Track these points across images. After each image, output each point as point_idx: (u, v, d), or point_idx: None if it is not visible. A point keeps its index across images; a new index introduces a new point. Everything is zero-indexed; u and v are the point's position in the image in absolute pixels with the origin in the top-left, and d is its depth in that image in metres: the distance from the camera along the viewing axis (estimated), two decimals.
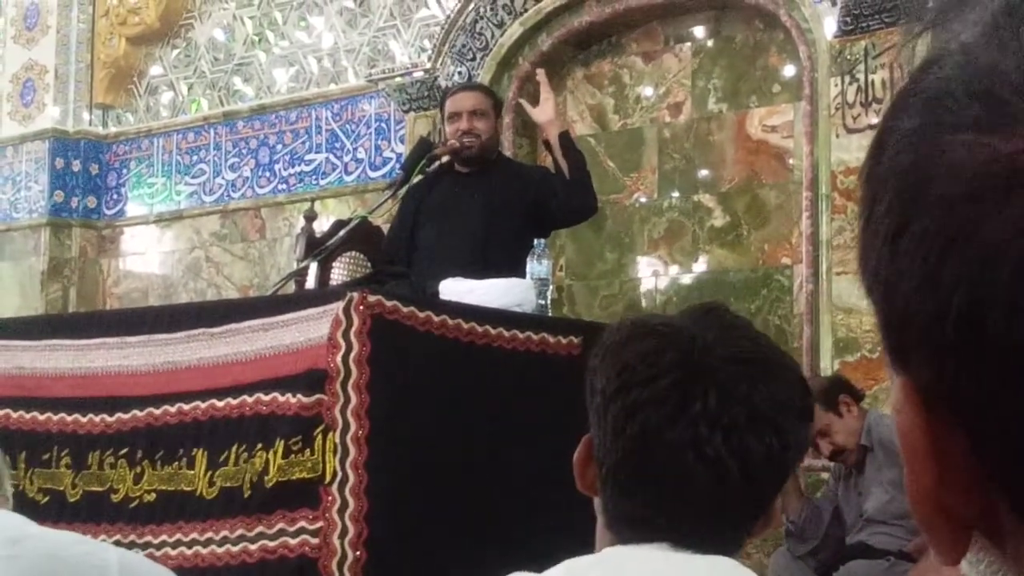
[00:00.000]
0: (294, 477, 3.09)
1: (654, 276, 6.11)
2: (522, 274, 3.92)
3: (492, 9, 6.35)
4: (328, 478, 3.05)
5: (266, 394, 3.19)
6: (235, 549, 3.16)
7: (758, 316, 5.54)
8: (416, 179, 4.39)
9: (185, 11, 7.91)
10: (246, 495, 3.18)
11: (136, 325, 3.64)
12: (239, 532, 3.17)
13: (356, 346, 3.11)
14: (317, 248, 4.20)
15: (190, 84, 7.89)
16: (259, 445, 3.16)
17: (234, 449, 3.22)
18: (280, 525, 3.10)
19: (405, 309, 3.25)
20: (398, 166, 5.94)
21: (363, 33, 7.08)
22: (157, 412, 3.44)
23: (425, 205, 4.47)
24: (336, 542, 3.02)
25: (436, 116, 6.39)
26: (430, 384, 3.31)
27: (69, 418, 3.66)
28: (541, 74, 4.77)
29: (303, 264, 4.18)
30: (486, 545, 3.26)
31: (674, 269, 6.06)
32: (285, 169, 7.33)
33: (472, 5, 6.37)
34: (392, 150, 6.84)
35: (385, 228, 4.65)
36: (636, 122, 6.24)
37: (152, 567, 1.49)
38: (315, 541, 3.03)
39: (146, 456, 3.44)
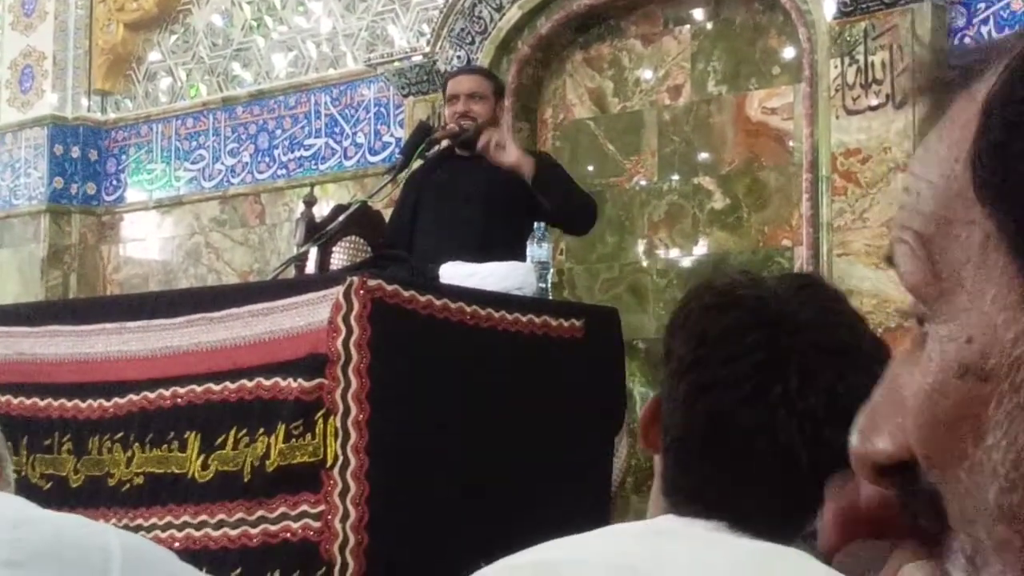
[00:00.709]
0: (295, 461, 3.10)
1: (654, 259, 6.11)
2: (522, 258, 3.92)
3: None
4: (329, 462, 3.06)
5: (267, 379, 3.19)
6: (234, 533, 3.17)
7: None
8: (415, 163, 4.39)
9: None
10: (246, 479, 3.18)
11: (136, 310, 3.64)
12: (239, 516, 3.17)
13: (356, 330, 3.11)
14: (317, 233, 4.20)
15: (189, 70, 7.87)
16: (260, 429, 3.17)
17: (232, 433, 3.23)
18: (282, 509, 3.10)
19: (406, 293, 3.25)
20: (397, 150, 5.93)
21: (361, 18, 7.07)
22: (152, 396, 3.45)
23: (426, 189, 4.46)
24: (338, 526, 3.02)
25: (435, 100, 6.38)
26: (431, 368, 3.31)
27: (69, 404, 3.66)
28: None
29: (303, 249, 4.18)
30: (488, 528, 3.26)
31: (675, 252, 6.05)
32: (284, 154, 7.32)
33: None
34: (391, 135, 6.83)
35: (385, 213, 4.64)
36: (635, 105, 6.23)
37: (155, 548, 1.49)
38: (317, 525, 3.04)
39: (137, 439, 3.45)
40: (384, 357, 3.15)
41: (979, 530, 0.50)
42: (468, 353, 3.41)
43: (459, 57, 6.34)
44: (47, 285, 7.87)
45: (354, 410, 3.08)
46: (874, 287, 5.09)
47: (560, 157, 6.14)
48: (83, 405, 3.63)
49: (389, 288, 3.21)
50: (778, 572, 1.13)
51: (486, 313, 3.46)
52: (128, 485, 3.45)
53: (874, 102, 5.16)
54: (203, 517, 3.24)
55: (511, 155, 4.21)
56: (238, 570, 3.14)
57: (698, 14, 6.11)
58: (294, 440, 3.10)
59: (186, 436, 3.33)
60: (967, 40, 5.19)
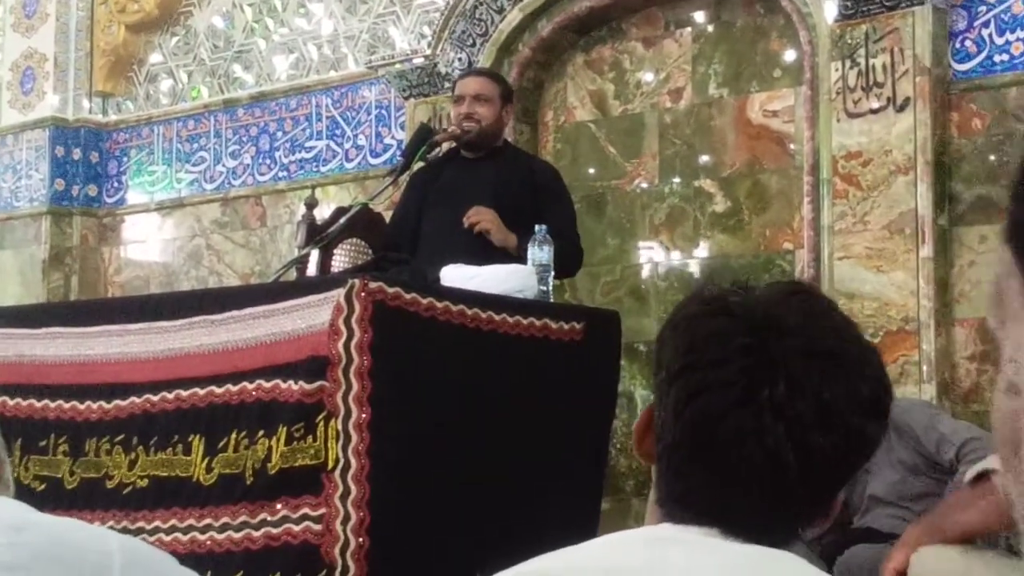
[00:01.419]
0: (296, 464, 3.09)
1: (655, 262, 6.11)
2: (523, 260, 3.91)
3: None
4: (330, 465, 3.05)
5: (267, 381, 3.19)
6: (237, 535, 3.17)
7: None
8: (417, 165, 4.38)
9: None
10: (248, 481, 3.18)
11: (137, 312, 3.64)
12: (241, 519, 3.17)
13: (358, 333, 3.11)
14: (318, 235, 4.20)
15: (190, 72, 7.87)
16: (260, 432, 3.16)
17: (233, 436, 3.23)
18: (283, 512, 3.10)
19: (407, 295, 3.24)
20: (399, 153, 5.93)
21: (363, 20, 7.07)
22: (155, 399, 3.44)
23: (430, 191, 4.46)
24: (339, 528, 3.02)
25: (436, 102, 6.38)
26: (432, 370, 3.31)
27: (67, 405, 3.66)
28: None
29: (304, 251, 4.18)
30: (488, 531, 3.26)
31: (675, 255, 6.05)
32: (286, 156, 7.32)
33: None
34: (393, 137, 6.83)
35: (387, 215, 4.64)
36: (637, 108, 6.23)
37: (154, 552, 1.49)
38: (318, 527, 3.04)
39: (141, 442, 3.44)
40: (385, 360, 3.15)
41: None
42: (469, 355, 3.41)
43: (460, 59, 6.34)
44: (48, 287, 7.87)
45: (355, 413, 3.08)
46: (875, 290, 5.09)
47: (561, 159, 6.14)
48: (81, 407, 3.63)
49: (390, 291, 3.21)
50: None
51: (487, 316, 3.46)
52: (130, 488, 3.45)
53: (875, 105, 5.16)
54: (207, 520, 3.24)
55: (495, 238, 4.21)
56: (240, 573, 3.14)
57: (699, 17, 6.11)
58: (295, 443, 3.10)
59: (191, 439, 3.33)
60: (968, 44, 5.19)
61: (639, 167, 6.19)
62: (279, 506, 3.11)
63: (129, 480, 3.46)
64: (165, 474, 3.38)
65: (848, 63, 5.25)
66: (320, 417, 3.08)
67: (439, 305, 3.33)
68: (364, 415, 3.09)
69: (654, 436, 1.23)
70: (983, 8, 5.17)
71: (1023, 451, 0.54)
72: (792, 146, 5.73)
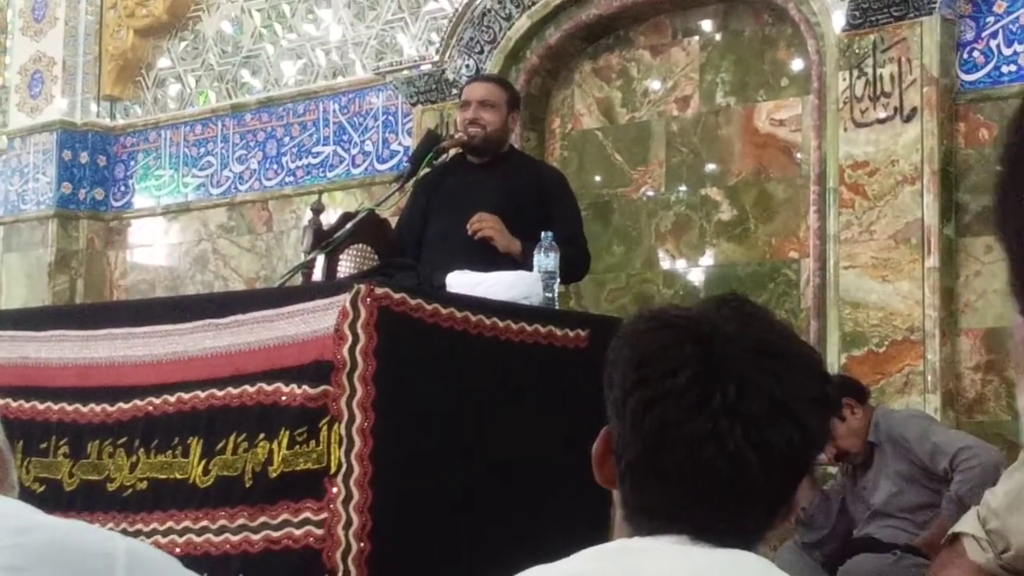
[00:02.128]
0: (299, 468, 3.09)
1: (661, 269, 6.11)
2: (529, 267, 3.91)
3: (500, 2, 6.34)
4: (333, 469, 3.05)
5: (269, 384, 3.19)
6: (235, 538, 3.16)
7: None
8: (423, 171, 4.39)
9: (193, 3, 7.91)
10: (247, 484, 3.18)
11: (142, 316, 3.64)
12: (240, 521, 3.17)
13: (363, 338, 3.10)
14: (324, 240, 4.20)
15: (198, 76, 7.89)
16: (261, 435, 3.16)
17: (232, 438, 3.22)
18: (284, 516, 3.10)
19: (412, 301, 3.24)
20: (405, 159, 5.94)
21: (371, 26, 7.08)
22: (157, 401, 3.44)
23: (436, 196, 4.46)
24: (341, 533, 3.02)
25: (444, 109, 6.39)
26: (436, 376, 3.30)
27: (70, 408, 3.66)
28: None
29: (310, 256, 4.18)
30: (490, 537, 3.26)
31: (681, 263, 6.05)
32: (292, 162, 7.33)
33: None
34: (399, 143, 6.84)
35: (393, 221, 4.64)
36: (644, 115, 6.24)
37: (158, 555, 1.49)
38: (320, 532, 3.03)
39: (142, 445, 3.44)
40: (390, 365, 3.14)
41: None
42: (473, 361, 3.40)
43: (468, 66, 6.34)
44: (54, 290, 7.88)
45: (359, 418, 3.08)
46: (880, 300, 5.09)
47: (567, 167, 6.14)
48: (84, 409, 3.63)
49: (396, 296, 3.21)
50: None
51: (492, 322, 3.45)
52: (130, 490, 3.45)
53: (882, 115, 5.16)
54: (204, 522, 3.24)
55: (499, 245, 4.21)
56: None
57: (707, 25, 6.12)
58: (298, 447, 3.10)
59: (189, 441, 3.33)
60: (976, 54, 5.19)
61: (645, 175, 6.19)
62: (280, 510, 3.11)
63: (129, 483, 3.46)
64: (163, 476, 3.38)
65: (856, 73, 5.25)
66: (323, 421, 3.08)
67: (444, 311, 3.32)
68: (368, 420, 3.08)
69: (613, 459, 1.26)
70: (991, 19, 5.17)
71: None
72: (799, 155, 5.73)
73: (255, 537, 3.13)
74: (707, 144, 6.02)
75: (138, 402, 3.49)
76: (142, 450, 3.44)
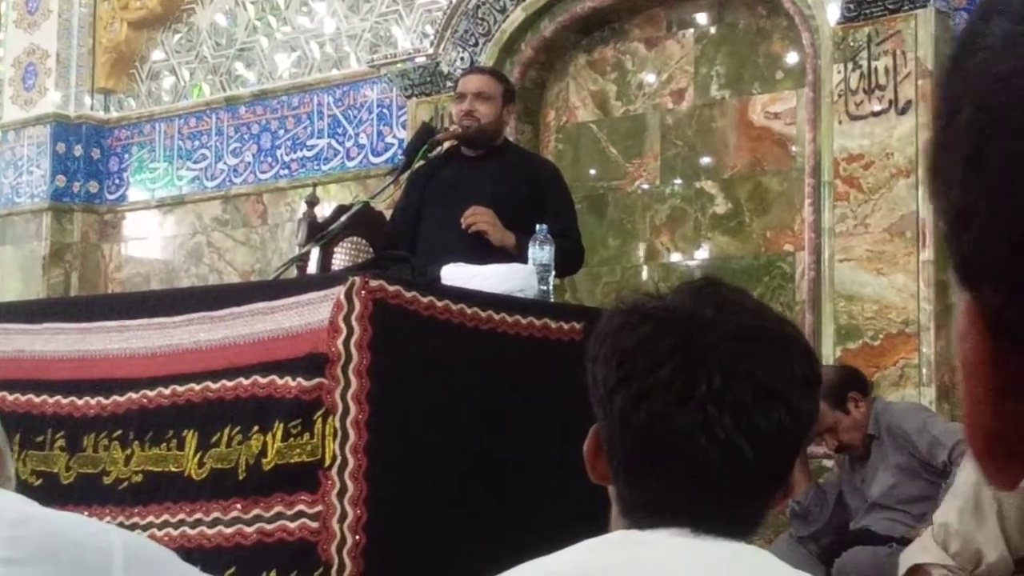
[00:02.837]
0: (293, 460, 3.09)
1: (656, 263, 6.11)
2: (524, 260, 3.91)
3: None
4: (327, 462, 3.05)
5: (263, 376, 3.19)
6: (228, 531, 3.16)
7: None
8: (418, 164, 4.38)
9: None
10: (241, 477, 3.18)
11: (137, 309, 3.64)
12: (233, 514, 3.16)
13: (357, 331, 3.10)
14: (319, 233, 4.20)
15: (192, 69, 7.88)
16: (255, 427, 3.16)
17: (227, 431, 3.22)
18: (278, 508, 3.10)
19: (407, 294, 3.24)
20: (400, 152, 5.93)
21: (365, 18, 7.07)
22: (151, 394, 3.44)
23: (430, 189, 4.46)
24: (335, 526, 3.02)
25: (438, 102, 6.38)
26: (431, 369, 3.30)
27: (65, 401, 3.66)
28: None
29: (305, 249, 4.18)
30: (486, 530, 3.26)
31: (676, 256, 6.05)
32: (287, 154, 7.32)
33: None
34: (394, 136, 6.83)
35: (387, 214, 4.64)
36: (638, 108, 6.23)
37: (156, 548, 1.49)
38: (314, 525, 3.03)
39: (137, 437, 3.44)
40: (384, 358, 3.14)
41: None
42: (468, 354, 3.41)
43: (462, 59, 6.34)
44: (48, 283, 7.87)
45: (353, 410, 3.08)
46: (875, 293, 5.09)
47: (562, 160, 6.14)
48: (80, 402, 3.62)
49: (391, 289, 3.20)
50: (740, 572, 1.17)
51: (487, 315, 3.45)
52: (126, 483, 3.45)
53: (877, 107, 5.17)
54: (198, 515, 3.24)
55: (493, 238, 4.21)
56: (232, 569, 3.13)
57: (701, 18, 6.11)
58: (292, 439, 3.10)
59: (184, 434, 3.32)
60: None
61: (640, 168, 6.19)
62: (274, 503, 3.11)
63: (125, 475, 3.45)
64: (158, 469, 3.38)
65: (850, 65, 5.25)
66: (318, 414, 3.08)
67: (439, 304, 3.32)
68: (362, 413, 3.08)
69: (605, 456, 1.26)
70: None
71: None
72: (794, 148, 5.73)
73: (248, 529, 3.13)
74: (702, 137, 6.02)
75: (133, 395, 3.49)
76: (137, 443, 3.44)
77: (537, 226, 3.93)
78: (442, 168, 4.49)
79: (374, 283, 3.17)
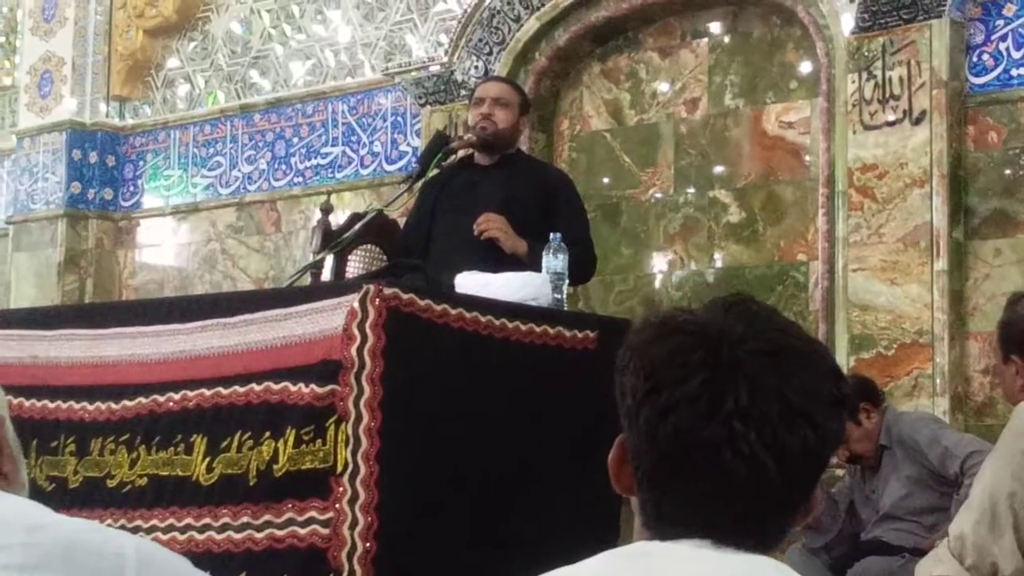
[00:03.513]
0: (305, 467, 3.09)
1: (669, 272, 6.11)
2: (538, 268, 3.91)
3: (509, 3, 6.34)
4: (339, 469, 3.05)
5: (276, 383, 3.19)
6: (238, 536, 3.16)
7: None
8: (432, 173, 4.39)
9: (202, 4, 7.92)
10: (251, 483, 3.18)
11: (151, 315, 3.65)
12: (243, 520, 3.16)
13: (371, 338, 3.11)
14: (333, 241, 4.20)
15: (207, 77, 7.90)
16: (266, 433, 3.16)
17: (237, 436, 3.22)
18: (289, 514, 3.10)
19: (421, 302, 3.25)
20: (414, 160, 5.94)
21: (380, 27, 7.08)
22: (161, 399, 3.45)
23: (443, 197, 4.47)
24: (346, 533, 3.02)
25: (453, 110, 6.39)
26: (444, 377, 3.30)
27: (77, 406, 3.67)
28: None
29: (319, 257, 4.18)
30: (497, 539, 3.26)
31: (690, 265, 6.05)
32: (301, 162, 7.34)
33: (489, 0, 6.38)
34: (408, 144, 6.84)
35: (401, 222, 4.65)
36: (652, 117, 6.23)
37: (169, 555, 1.49)
38: (325, 531, 3.04)
39: (144, 442, 3.45)
40: (398, 365, 3.14)
41: None
42: (481, 362, 3.40)
43: (476, 67, 6.35)
44: (63, 289, 7.89)
45: (366, 417, 3.08)
46: (889, 303, 5.08)
47: (576, 168, 6.15)
48: (90, 407, 3.64)
49: (405, 297, 3.21)
50: None
51: (500, 323, 3.45)
52: (129, 487, 3.45)
53: (891, 117, 5.16)
54: (206, 520, 3.24)
55: (505, 245, 4.21)
56: (242, 574, 3.14)
57: (716, 27, 6.11)
58: (304, 446, 3.10)
59: (192, 439, 3.33)
60: (985, 57, 5.18)
61: (654, 177, 6.19)
62: (285, 509, 3.11)
63: (128, 479, 3.46)
64: (165, 473, 3.38)
65: (865, 75, 5.24)
66: (330, 421, 3.08)
67: (452, 312, 3.33)
68: (375, 420, 3.09)
69: (630, 467, 1.26)
70: (1000, 22, 5.17)
71: None
72: (807, 158, 5.72)
73: (259, 535, 3.13)
74: (716, 146, 6.02)
75: (142, 400, 3.50)
76: (143, 447, 3.45)
77: (551, 235, 3.93)
78: (455, 176, 4.50)
79: (388, 291, 3.17)
